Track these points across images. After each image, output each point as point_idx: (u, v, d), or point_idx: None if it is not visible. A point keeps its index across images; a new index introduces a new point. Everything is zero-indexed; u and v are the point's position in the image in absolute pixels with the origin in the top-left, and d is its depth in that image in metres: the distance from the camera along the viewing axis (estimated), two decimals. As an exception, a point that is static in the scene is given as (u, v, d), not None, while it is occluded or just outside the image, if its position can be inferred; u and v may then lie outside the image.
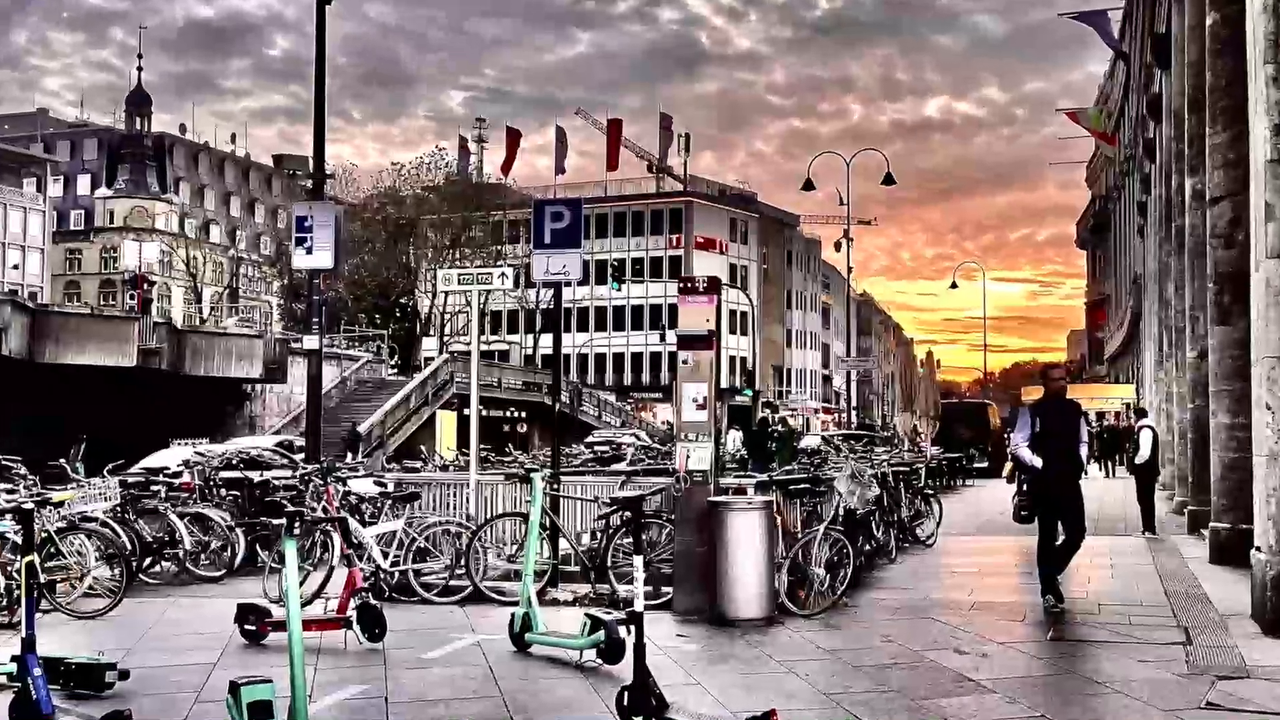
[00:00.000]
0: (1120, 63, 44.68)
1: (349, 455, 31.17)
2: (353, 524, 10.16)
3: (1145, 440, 17.02)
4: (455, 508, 12.71)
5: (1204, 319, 14.81)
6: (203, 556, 12.23)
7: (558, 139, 79.60)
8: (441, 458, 25.31)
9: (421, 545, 10.82)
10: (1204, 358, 14.87)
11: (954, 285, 71.81)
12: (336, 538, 9.93)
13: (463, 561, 10.78)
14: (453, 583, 10.82)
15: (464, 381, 43.64)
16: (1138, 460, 17.31)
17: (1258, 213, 8.83)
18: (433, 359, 55.17)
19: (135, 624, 9.70)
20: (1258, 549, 8.85)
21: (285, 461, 15.68)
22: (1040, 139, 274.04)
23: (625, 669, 6.90)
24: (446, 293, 52.39)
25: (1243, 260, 11.14)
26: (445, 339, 63.41)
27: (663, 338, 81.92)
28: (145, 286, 70.08)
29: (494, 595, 10.59)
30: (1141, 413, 20.87)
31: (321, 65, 17.67)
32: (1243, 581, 9.57)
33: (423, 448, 31.19)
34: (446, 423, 47.72)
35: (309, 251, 16.02)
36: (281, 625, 7.26)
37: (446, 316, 64.75)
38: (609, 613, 8.40)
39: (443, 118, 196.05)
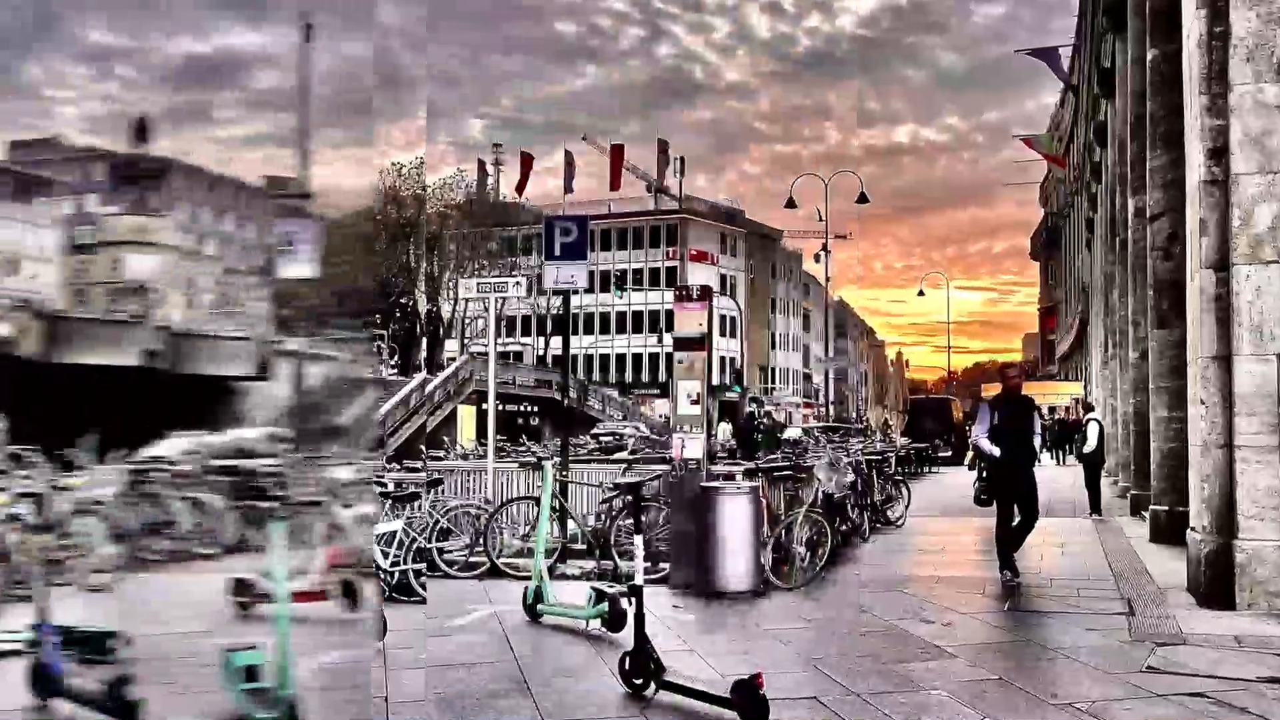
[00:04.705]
0: (1070, 94, 44.67)
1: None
2: (332, 506, 10.07)
3: (1092, 432, 16.97)
4: (475, 492, 12.72)
5: (1145, 323, 14.80)
6: (199, 536, 12.13)
7: (566, 162, 78.78)
8: (462, 447, 25.30)
9: (444, 525, 10.80)
10: (1145, 358, 14.86)
11: (921, 293, 71.75)
12: (317, 518, 9.86)
13: (481, 540, 10.78)
14: (472, 559, 10.80)
15: (483, 379, 43.44)
16: (1085, 450, 17.25)
17: (1193, 228, 8.83)
18: (454, 359, 55.09)
19: (138, 597, 9.67)
20: (1193, 529, 8.85)
21: (273, 451, 15.59)
22: (998, 162, 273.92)
23: (627, 636, 6.89)
24: (468, 299, 52.36)
25: (1179, 271, 11.14)
26: (466, 341, 63.33)
27: (660, 340, 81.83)
28: (147, 295, 70.03)
29: (509, 570, 10.58)
30: (1089, 407, 20.83)
31: (305, 95, 17.61)
32: (1180, 558, 9.55)
33: (445, 438, 31.20)
34: (467, 416, 47.67)
35: (293, 262, 15.96)
36: (269, 597, 7.24)
37: (467, 321, 64.73)
38: (612, 586, 8.40)
39: (463, 143, 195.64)
